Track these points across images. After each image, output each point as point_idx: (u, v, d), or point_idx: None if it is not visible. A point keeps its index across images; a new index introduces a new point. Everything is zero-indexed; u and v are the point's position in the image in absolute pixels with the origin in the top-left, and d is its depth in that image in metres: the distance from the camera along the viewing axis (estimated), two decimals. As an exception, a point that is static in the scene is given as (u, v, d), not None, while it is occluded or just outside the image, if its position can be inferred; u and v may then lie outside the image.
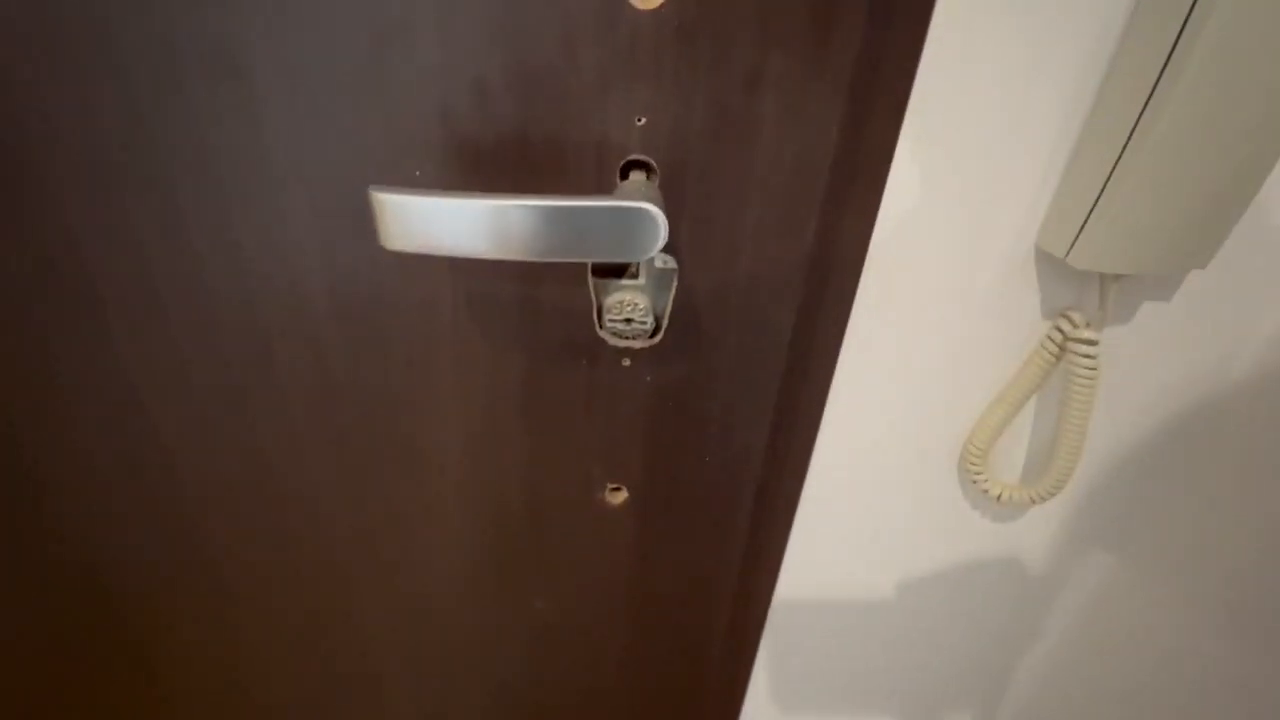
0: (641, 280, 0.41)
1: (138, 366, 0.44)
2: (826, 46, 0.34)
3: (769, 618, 0.63)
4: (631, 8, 0.32)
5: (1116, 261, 0.40)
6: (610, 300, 0.42)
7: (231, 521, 0.52)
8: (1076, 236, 0.39)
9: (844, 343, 0.46)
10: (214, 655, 0.61)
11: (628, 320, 0.42)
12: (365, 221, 0.38)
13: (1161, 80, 0.34)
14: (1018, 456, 0.54)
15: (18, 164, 0.36)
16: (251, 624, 0.59)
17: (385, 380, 0.45)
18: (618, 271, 0.41)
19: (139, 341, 0.43)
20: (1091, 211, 0.38)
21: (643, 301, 0.41)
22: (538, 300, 0.42)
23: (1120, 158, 0.36)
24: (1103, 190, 0.37)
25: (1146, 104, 0.35)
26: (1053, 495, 0.51)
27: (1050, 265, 0.44)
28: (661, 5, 0.32)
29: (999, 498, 0.52)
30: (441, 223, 0.31)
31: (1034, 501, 0.52)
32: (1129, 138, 0.36)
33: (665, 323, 0.42)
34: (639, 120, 0.36)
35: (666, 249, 0.38)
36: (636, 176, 0.37)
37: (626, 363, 0.45)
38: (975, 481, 0.52)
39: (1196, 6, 0.32)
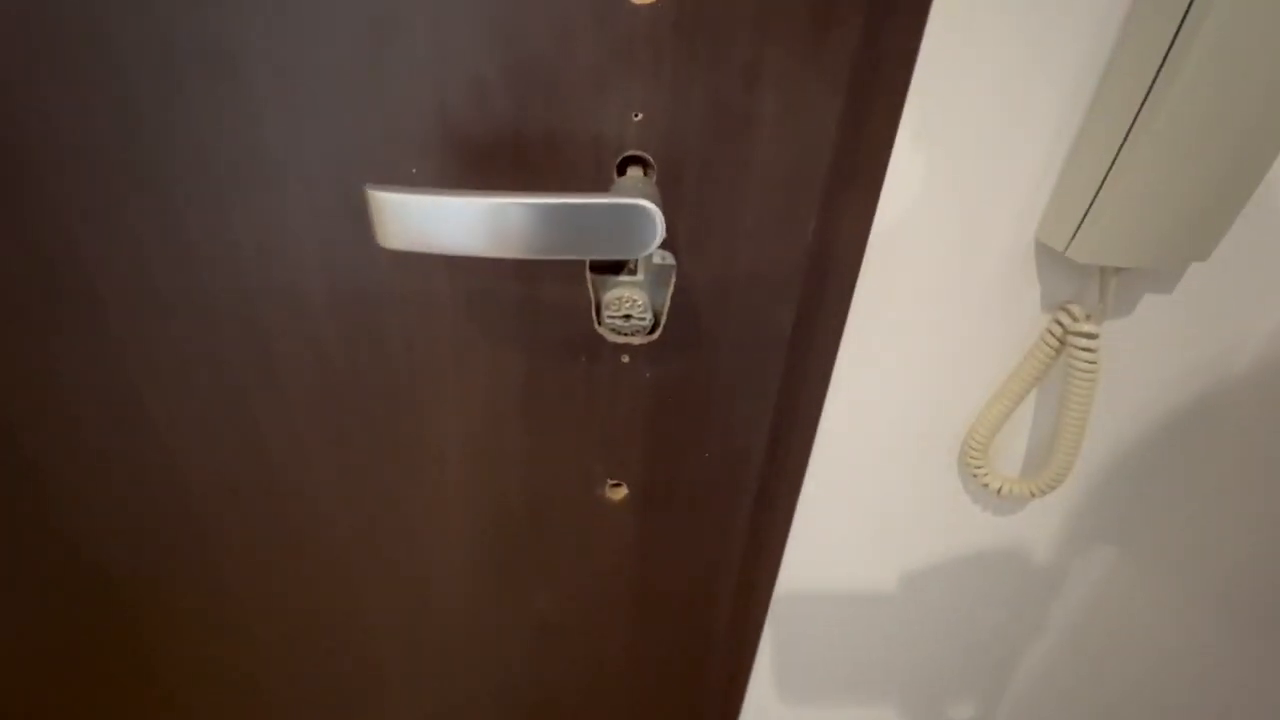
0: (640, 276, 0.41)
1: (138, 366, 0.44)
2: (825, 41, 0.34)
3: (771, 611, 0.63)
4: (628, 2, 0.32)
5: (1116, 255, 0.40)
6: (609, 297, 0.42)
7: (232, 520, 0.53)
8: (1076, 230, 0.39)
9: (844, 336, 0.46)
10: (215, 654, 0.62)
11: (626, 316, 0.42)
12: (364, 220, 0.38)
13: (1161, 73, 0.34)
14: (1018, 450, 0.54)
15: (17, 164, 0.36)
16: (252, 622, 0.60)
17: (384, 379, 0.45)
18: (616, 268, 0.41)
19: (139, 341, 0.43)
20: (1091, 205, 0.38)
21: (641, 298, 0.41)
22: (536, 297, 0.42)
23: (1120, 151, 0.36)
24: (1103, 183, 0.37)
25: (1146, 97, 0.34)
26: (1053, 489, 0.51)
27: (1050, 259, 0.44)
28: (658, 0, 0.32)
29: (999, 491, 0.53)
30: (439, 221, 0.31)
31: (1034, 495, 0.52)
32: (1129, 131, 0.36)
33: (664, 319, 0.42)
34: (636, 116, 0.36)
35: (664, 245, 0.38)
36: (634, 172, 0.37)
37: (626, 359, 0.45)
38: (976, 475, 0.52)
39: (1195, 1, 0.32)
